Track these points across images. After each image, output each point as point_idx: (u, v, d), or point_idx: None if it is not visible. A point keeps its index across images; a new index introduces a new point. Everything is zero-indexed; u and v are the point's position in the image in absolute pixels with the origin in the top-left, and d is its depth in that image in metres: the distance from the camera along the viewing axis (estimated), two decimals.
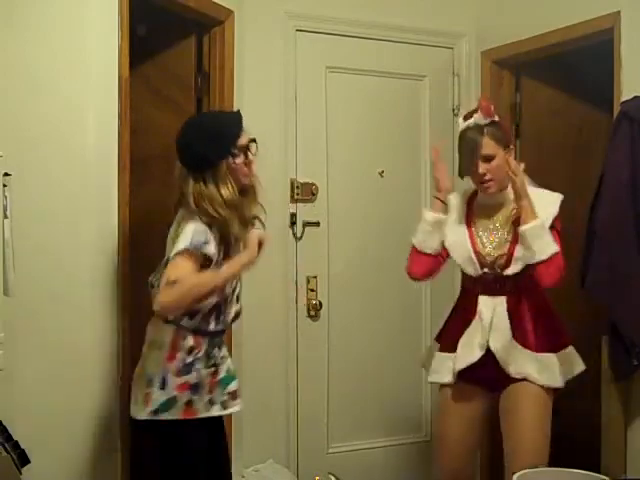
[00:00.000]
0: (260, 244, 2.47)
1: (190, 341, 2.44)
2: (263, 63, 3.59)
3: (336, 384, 3.74)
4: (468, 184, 2.87)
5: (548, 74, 3.87)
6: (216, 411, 2.48)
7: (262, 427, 3.56)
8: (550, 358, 2.76)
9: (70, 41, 2.62)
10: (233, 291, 2.54)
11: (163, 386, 2.41)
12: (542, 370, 2.74)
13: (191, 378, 2.42)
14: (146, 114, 3.28)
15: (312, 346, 3.69)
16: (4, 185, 2.27)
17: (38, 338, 2.53)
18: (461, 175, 2.80)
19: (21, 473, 2.15)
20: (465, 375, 2.79)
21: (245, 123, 2.50)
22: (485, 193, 2.78)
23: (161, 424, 2.42)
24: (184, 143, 2.46)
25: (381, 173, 3.82)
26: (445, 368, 2.83)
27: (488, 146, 2.70)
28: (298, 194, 3.65)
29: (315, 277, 3.69)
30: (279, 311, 3.62)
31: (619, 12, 3.22)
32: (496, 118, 2.76)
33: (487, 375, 2.77)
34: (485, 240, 2.80)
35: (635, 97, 3.08)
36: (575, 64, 3.71)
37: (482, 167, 2.70)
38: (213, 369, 2.48)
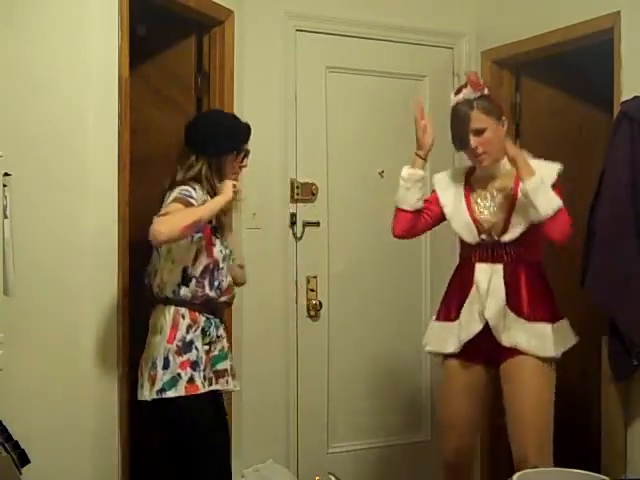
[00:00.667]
0: (235, 191, 2.64)
1: (187, 319, 2.61)
2: (263, 63, 3.59)
3: (336, 384, 3.74)
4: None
5: (548, 74, 3.86)
6: (213, 386, 2.64)
7: (262, 427, 3.56)
8: (544, 328, 2.77)
9: (70, 41, 2.62)
10: (224, 259, 2.69)
11: (167, 366, 2.57)
12: (532, 339, 2.74)
13: (191, 356, 2.59)
14: (146, 114, 3.28)
15: (312, 346, 3.69)
16: (4, 185, 2.27)
17: (38, 338, 2.53)
18: (457, 149, 2.87)
19: (21, 473, 2.15)
20: (466, 349, 2.81)
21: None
22: (480, 166, 2.83)
23: (168, 403, 2.57)
24: (205, 128, 2.74)
25: (381, 173, 3.82)
26: (445, 337, 2.86)
27: (478, 119, 2.76)
28: (298, 194, 3.65)
29: (315, 277, 3.69)
30: (279, 311, 3.62)
31: (619, 12, 3.22)
32: (486, 91, 2.80)
33: (486, 347, 2.78)
34: (482, 207, 2.84)
35: (635, 97, 3.08)
36: (575, 64, 3.71)
37: (474, 141, 2.76)
38: (208, 347, 2.64)
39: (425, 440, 3.90)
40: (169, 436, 2.69)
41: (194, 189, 2.61)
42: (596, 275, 3.07)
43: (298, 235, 3.66)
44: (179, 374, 2.56)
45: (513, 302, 2.76)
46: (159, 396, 2.56)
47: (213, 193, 2.65)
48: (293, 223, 3.65)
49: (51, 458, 2.50)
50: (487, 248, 2.80)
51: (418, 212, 2.92)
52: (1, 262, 2.25)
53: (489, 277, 2.78)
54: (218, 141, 2.68)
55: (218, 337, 2.70)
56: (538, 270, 2.85)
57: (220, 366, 2.68)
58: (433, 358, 3.89)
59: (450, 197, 2.92)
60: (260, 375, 3.54)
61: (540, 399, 2.75)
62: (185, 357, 2.58)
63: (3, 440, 2.13)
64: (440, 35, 3.92)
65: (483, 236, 2.81)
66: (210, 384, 2.63)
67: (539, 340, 2.75)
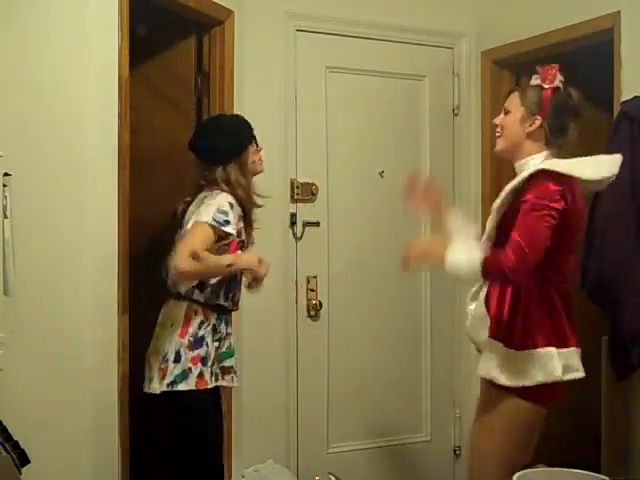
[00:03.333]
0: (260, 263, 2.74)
1: (200, 315, 2.67)
2: (263, 63, 3.59)
3: (336, 384, 3.74)
4: None
5: None
6: (220, 381, 2.69)
7: (262, 427, 3.56)
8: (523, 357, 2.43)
9: (70, 41, 2.62)
10: (242, 272, 2.76)
11: (178, 359, 2.62)
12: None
13: (202, 351, 2.64)
14: (146, 114, 3.28)
15: (312, 346, 3.69)
16: (4, 185, 2.27)
17: (38, 338, 2.53)
18: None
19: (21, 473, 2.15)
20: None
21: None
22: (494, 149, 2.62)
23: (178, 395, 2.62)
24: (208, 141, 2.80)
25: (381, 173, 3.82)
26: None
27: (512, 101, 2.55)
28: (298, 194, 3.65)
29: (315, 277, 3.69)
30: (279, 311, 3.62)
31: (619, 12, 3.22)
32: (547, 85, 2.56)
33: None
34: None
35: (635, 97, 3.08)
36: (575, 64, 3.70)
37: (498, 117, 2.57)
38: (217, 343, 2.69)
39: (425, 440, 3.91)
40: (177, 428, 2.74)
41: (230, 205, 2.67)
42: (596, 275, 3.07)
43: (298, 235, 3.66)
44: (190, 368, 2.62)
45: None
46: (170, 389, 2.61)
47: (246, 198, 2.74)
48: (293, 223, 3.65)
49: (51, 458, 2.50)
50: None
51: None
52: (1, 262, 2.25)
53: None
54: (230, 145, 2.77)
55: (227, 334, 2.75)
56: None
57: (227, 363, 2.73)
58: (433, 358, 3.92)
59: None
60: (260, 375, 3.54)
61: (486, 442, 2.46)
62: (196, 352, 2.63)
63: (3, 440, 2.13)
64: (440, 35, 3.92)
65: None
66: (217, 380, 2.69)
67: (516, 370, 2.41)
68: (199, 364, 2.64)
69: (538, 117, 2.52)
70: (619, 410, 3.19)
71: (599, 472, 2.71)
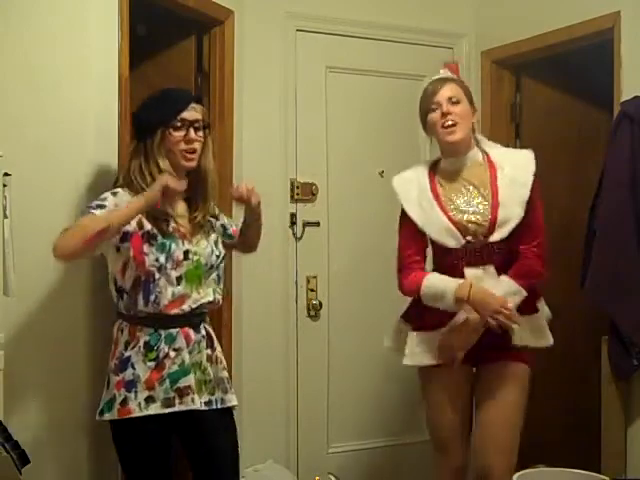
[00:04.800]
0: (165, 188, 2.31)
1: (126, 335, 2.38)
2: (263, 63, 3.59)
3: (336, 384, 3.74)
4: None
5: (548, 74, 3.87)
6: (153, 410, 2.33)
7: (262, 427, 3.56)
8: (538, 319, 2.67)
9: (70, 41, 2.62)
10: (160, 268, 2.35)
11: (108, 385, 2.39)
12: (534, 332, 2.64)
13: (126, 375, 2.34)
14: None
15: (312, 346, 3.69)
16: (4, 185, 2.27)
17: (38, 338, 2.53)
18: (423, 122, 2.68)
19: (21, 473, 2.15)
20: None
21: (192, 110, 2.46)
22: (449, 140, 2.61)
23: (110, 425, 2.39)
24: (133, 112, 2.50)
25: (381, 173, 3.81)
26: (424, 348, 2.66)
27: (455, 90, 2.63)
28: (298, 194, 3.65)
29: (315, 277, 3.69)
30: (279, 311, 3.62)
31: (619, 12, 3.22)
32: (463, 80, 2.72)
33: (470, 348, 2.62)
34: (460, 204, 2.62)
35: (635, 97, 3.08)
36: (575, 64, 3.71)
37: (447, 108, 2.59)
38: (154, 363, 2.35)
39: (425, 440, 3.88)
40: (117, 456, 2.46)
41: (115, 194, 2.35)
42: (596, 275, 3.07)
43: (298, 235, 3.66)
44: (114, 395, 2.35)
45: None
46: (99, 418, 2.39)
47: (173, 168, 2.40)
48: (293, 223, 3.65)
49: (51, 458, 2.50)
50: (474, 251, 2.59)
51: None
52: (1, 262, 2.25)
53: (481, 280, 2.58)
54: (147, 119, 2.40)
55: (175, 350, 2.37)
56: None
57: (182, 383, 2.36)
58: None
59: (416, 204, 2.67)
60: (260, 375, 3.54)
61: (515, 415, 2.63)
62: (120, 376, 2.34)
63: (3, 440, 2.13)
64: (440, 35, 3.92)
65: (468, 238, 2.59)
66: (169, 405, 2.34)
67: (539, 332, 2.65)
68: (122, 389, 2.33)
69: (475, 108, 2.72)
70: (619, 410, 3.19)
71: (599, 472, 2.71)
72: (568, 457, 2.72)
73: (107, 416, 2.36)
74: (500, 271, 2.61)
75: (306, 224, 3.68)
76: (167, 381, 2.35)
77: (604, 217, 3.08)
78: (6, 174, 2.28)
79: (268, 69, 3.60)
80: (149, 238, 2.35)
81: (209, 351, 2.47)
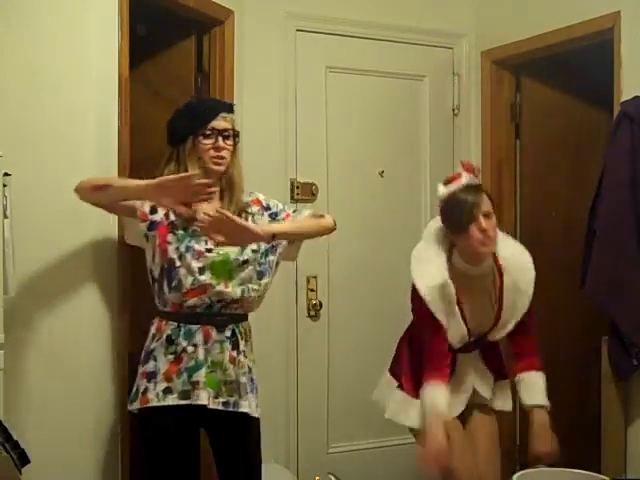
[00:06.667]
0: (186, 182, 2.37)
1: (153, 328, 2.51)
2: (263, 63, 3.59)
3: (336, 384, 3.74)
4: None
5: (548, 74, 3.87)
6: (170, 401, 2.41)
7: (262, 427, 3.53)
8: (506, 385, 2.90)
9: (70, 41, 2.62)
10: (180, 257, 2.44)
11: (136, 377, 2.52)
12: (503, 396, 2.90)
13: (149, 366, 2.46)
14: (146, 114, 3.28)
15: (312, 346, 3.69)
16: (4, 185, 2.27)
17: (38, 338, 2.53)
18: (457, 233, 2.62)
19: (21, 473, 2.15)
20: None
21: (242, 120, 2.74)
22: (482, 253, 2.62)
23: (135, 415, 2.51)
24: (169, 120, 2.60)
25: (381, 173, 3.82)
26: (413, 413, 2.82)
27: (487, 203, 2.60)
28: (298, 194, 3.65)
29: (315, 277, 3.69)
30: (279, 311, 3.62)
31: (619, 12, 3.22)
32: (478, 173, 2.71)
33: None
34: (475, 312, 2.71)
35: (635, 97, 3.08)
36: (575, 64, 3.71)
37: (486, 223, 2.56)
38: (173, 357, 2.44)
39: None
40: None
41: None
42: (596, 275, 3.07)
43: None
44: (139, 385, 2.48)
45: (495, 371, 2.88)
46: (129, 407, 2.51)
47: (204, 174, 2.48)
48: None
49: (51, 458, 2.50)
50: (470, 344, 2.77)
51: None
52: (1, 262, 2.25)
53: (473, 366, 2.82)
54: (178, 127, 2.54)
55: (194, 346, 2.44)
56: None
57: (194, 377, 2.43)
58: None
59: (441, 311, 2.65)
60: (260, 375, 3.51)
61: (497, 450, 2.86)
62: (144, 367, 2.48)
63: (3, 440, 2.13)
64: (440, 35, 3.92)
65: (472, 339, 2.74)
66: (185, 397, 2.42)
67: (506, 397, 2.91)
68: (144, 380, 2.45)
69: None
70: (619, 410, 3.19)
71: (599, 472, 2.71)
72: (568, 457, 2.72)
73: (133, 405, 2.48)
74: (483, 353, 2.84)
75: None
76: (184, 374, 2.43)
77: (604, 217, 3.08)
78: (6, 174, 2.28)
79: (268, 69, 3.60)
80: (173, 228, 2.48)
81: (234, 353, 2.50)
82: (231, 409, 2.48)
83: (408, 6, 3.86)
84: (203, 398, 2.42)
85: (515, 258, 2.71)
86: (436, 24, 3.91)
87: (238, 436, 2.58)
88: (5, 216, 2.27)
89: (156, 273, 2.49)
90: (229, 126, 2.53)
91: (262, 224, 2.51)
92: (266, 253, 2.56)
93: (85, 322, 2.65)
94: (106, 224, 2.72)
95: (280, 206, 2.72)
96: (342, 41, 3.75)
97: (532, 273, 2.71)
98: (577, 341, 3.74)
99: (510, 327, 2.72)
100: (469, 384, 2.81)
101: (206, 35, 3.44)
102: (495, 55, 3.87)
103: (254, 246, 2.51)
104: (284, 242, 2.62)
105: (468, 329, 2.69)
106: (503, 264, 2.69)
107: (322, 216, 2.74)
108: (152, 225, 2.48)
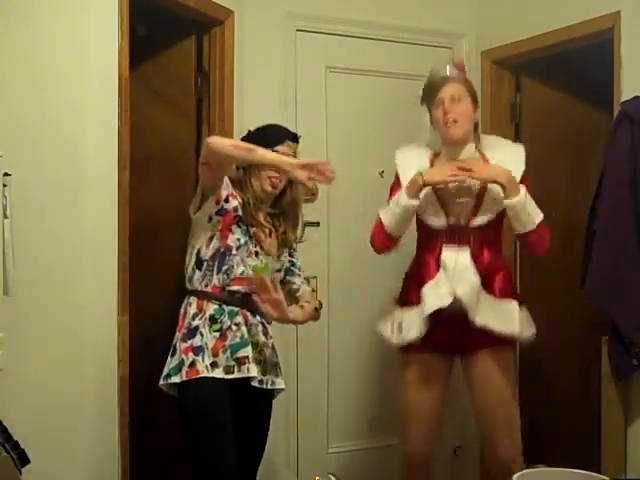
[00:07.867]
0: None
1: (194, 307, 2.64)
2: (263, 63, 3.59)
3: (336, 384, 3.74)
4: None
5: (548, 74, 3.87)
6: (217, 374, 2.57)
7: None
8: (513, 306, 2.79)
9: (70, 41, 2.62)
10: (239, 247, 2.66)
11: (174, 353, 2.62)
12: (501, 317, 2.76)
13: (195, 341, 2.60)
14: (146, 114, 3.28)
15: (312, 346, 3.69)
16: (4, 185, 2.27)
17: (38, 338, 2.53)
18: (425, 103, 2.84)
19: (21, 473, 2.15)
20: (426, 338, 2.80)
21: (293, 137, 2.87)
22: (449, 137, 2.81)
23: (176, 389, 2.60)
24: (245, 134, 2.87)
25: (381, 173, 3.81)
26: (409, 324, 2.84)
27: (457, 89, 2.77)
28: None
29: (315, 277, 3.69)
30: None
31: (619, 12, 3.22)
32: (468, 76, 2.85)
33: (447, 338, 2.80)
34: (451, 187, 2.80)
35: (635, 97, 3.09)
36: (575, 64, 3.71)
37: (449, 106, 2.75)
38: (218, 334, 2.61)
39: None
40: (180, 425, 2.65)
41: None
42: (596, 275, 3.07)
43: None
44: (182, 360, 2.58)
45: (483, 281, 2.77)
46: (165, 381, 2.59)
47: (247, 201, 2.70)
48: None
49: (51, 458, 2.49)
50: (453, 232, 2.80)
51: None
52: (1, 262, 2.25)
53: (455, 259, 2.78)
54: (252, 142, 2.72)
55: (236, 325, 2.64)
56: (500, 251, 2.91)
57: (241, 353, 2.61)
58: None
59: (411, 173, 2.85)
60: None
61: (507, 392, 2.81)
62: (189, 342, 2.59)
63: (3, 440, 2.13)
64: (440, 35, 3.93)
65: (451, 221, 2.81)
66: (229, 372, 2.58)
67: (508, 318, 2.76)
68: (191, 353, 2.57)
69: (478, 105, 2.88)
70: (619, 410, 3.19)
71: (599, 472, 2.70)
72: (568, 457, 2.72)
73: (174, 379, 2.57)
74: (473, 252, 2.79)
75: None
76: (228, 351, 2.60)
77: (604, 217, 3.08)
78: (6, 174, 2.28)
79: (268, 69, 3.60)
80: (238, 221, 2.67)
81: (264, 338, 2.75)
82: (269, 387, 2.72)
83: (408, 6, 3.86)
84: (253, 371, 2.61)
85: (503, 153, 2.82)
86: (436, 24, 3.91)
87: (264, 409, 2.82)
88: (5, 216, 2.28)
89: (207, 255, 2.65)
90: (291, 153, 2.79)
91: (290, 310, 2.75)
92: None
93: (85, 322, 2.65)
94: (106, 224, 2.73)
95: (299, 263, 2.98)
96: (342, 41, 3.75)
97: (521, 165, 2.79)
98: (577, 341, 3.74)
99: (489, 216, 2.78)
100: (450, 287, 2.76)
101: (206, 35, 3.44)
102: (495, 55, 3.87)
103: (278, 265, 2.83)
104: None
105: (443, 205, 2.80)
106: (488, 156, 2.83)
107: (314, 290, 3.20)
108: (221, 210, 2.66)
